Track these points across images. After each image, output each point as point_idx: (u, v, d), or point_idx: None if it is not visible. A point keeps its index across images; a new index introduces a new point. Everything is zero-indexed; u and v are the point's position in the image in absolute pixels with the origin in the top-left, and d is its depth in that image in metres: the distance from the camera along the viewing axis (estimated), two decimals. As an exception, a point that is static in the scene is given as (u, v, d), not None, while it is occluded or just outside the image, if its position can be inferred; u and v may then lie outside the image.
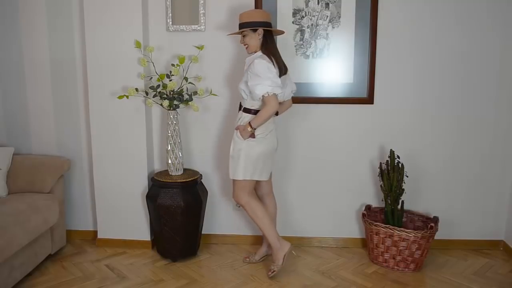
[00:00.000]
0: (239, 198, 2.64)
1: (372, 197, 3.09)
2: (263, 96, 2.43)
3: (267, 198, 2.81)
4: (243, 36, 2.54)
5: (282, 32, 2.65)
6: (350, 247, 3.12)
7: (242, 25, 2.50)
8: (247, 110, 2.56)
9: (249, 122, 2.49)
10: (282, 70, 2.51)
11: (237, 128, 2.57)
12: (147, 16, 2.94)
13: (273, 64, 2.46)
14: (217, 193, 3.15)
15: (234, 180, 2.63)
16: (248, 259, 2.89)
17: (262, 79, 2.41)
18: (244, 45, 2.56)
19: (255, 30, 2.49)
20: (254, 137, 2.51)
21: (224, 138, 3.07)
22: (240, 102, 2.64)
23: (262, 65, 2.43)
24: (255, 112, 2.53)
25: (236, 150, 2.56)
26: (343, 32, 2.88)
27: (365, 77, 2.91)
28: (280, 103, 2.56)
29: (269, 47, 2.53)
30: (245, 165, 2.55)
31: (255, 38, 2.51)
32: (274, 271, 2.64)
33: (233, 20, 2.92)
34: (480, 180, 3.03)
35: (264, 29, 2.49)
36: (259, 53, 2.54)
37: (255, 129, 2.49)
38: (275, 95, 2.43)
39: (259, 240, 3.12)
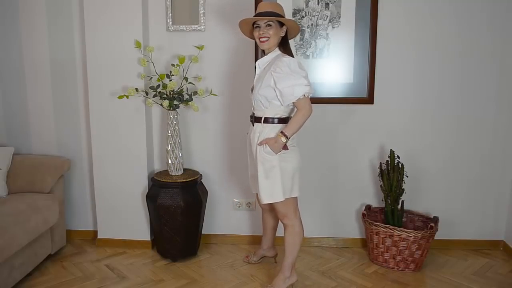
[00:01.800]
0: (285, 217, 2.32)
1: (372, 197, 3.09)
2: (298, 99, 2.12)
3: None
4: (267, 26, 2.20)
5: (297, 33, 2.37)
6: (350, 247, 3.13)
7: (270, 13, 2.18)
8: (268, 120, 2.23)
9: (282, 132, 2.15)
10: None
11: (264, 143, 2.20)
12: (147, 16, 2.94)
13: None
14: (217, 193, 3.15)
15: (275, 204, 2.30)
16: (248, 259, 2.89)
17: (298, 78, 2.11)
18: (263, 37, 2.21)
19: (281, 25, 2.23)
20: (287, 148, 2.19)
21: (225, 138, 3.07)
22: (254, 113, 2.32)
23: (295, 62, 2.14)
24: (280, 120, 2.22)
25: (268, 169, 2.20)
26: (343, 32, 2.88)
27: (365, 77, 2.91)
28: None
29: (288, 49, 2.28)
30: (283, 183, 2.21)
31: (278, 34, 2.22)
32: None
33: (233, 20, 2.92)
34: (480, 180, 3.03)
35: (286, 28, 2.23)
36: (277, 51, 2.26)
37: (289, 138, 2.16)
38: (309, 97, 2.16)
39: (258, 240, 3.12)
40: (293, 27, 2.29)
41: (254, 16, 2.29)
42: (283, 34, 2.28)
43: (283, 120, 2.26)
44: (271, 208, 2.56)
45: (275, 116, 2.25)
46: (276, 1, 2.80)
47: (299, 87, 2.13)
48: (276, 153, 2.19)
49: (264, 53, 2.37)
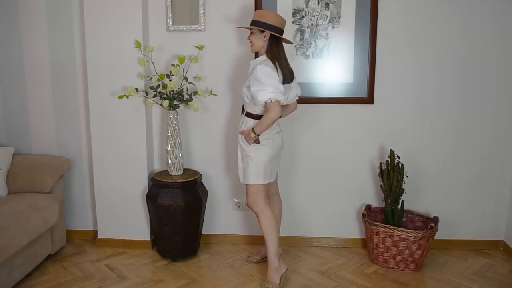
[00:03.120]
0: (253, 204, 2.55)
1: (372, 197, 3.09)
2: (265, 102, 2.37)
3: (273, 198, 2.77)
4: (251, 33, 2.49)
5: (290, 43, 2.58)
6: (350, 247, 3.12)
7: (252, 22, 2.46)
8: (249, 115, 2.52)
9: (253, 128, 2.43)
10: (287, 77, 2.46)
11: (241, 133, 2.53)
12: (147, 16, 2.94)
13: (276, 70, 2.40)
14: (217, 193, 3.15)
15: (246, 185, 2.57)
16: (250, 259, 2.89)
17: (264, 85, 2.35)
18: (250, 43, 2.52)
19: (262, 31, 2.43)
20: (259, 142, 2.46)
21: (224, 138, 3.07)
22: (243, 105, 2.61)
23: (265, 71, 2.37)
24: (258, 117, 2.48)
25: (244, 155, 2.53)
26: (343, 32, 2.88)
27: (365, 77, 2.91)
28: (283, 106, 2.55)
29: (274, 52, 2.45)
30: (256, 170, 2.49)
31: (260, 39, 2.45)
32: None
33: (233, 20, 2.92)
34: (480, 180, 3.03)
35: (271, 34, 2.42)
36: (264, 57, 2.48)
37: (258, 135, 2.44)
38: (277, 101, 2.37)
39: (258, 240, 3.12)
40: (275, 35, 2.43)
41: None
42: (266, 39, 2.45)
43: (260, 117, 2.49)
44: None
45: (254, 113, 2.51)
46: (277, 4, 2.85)
47: (263, 92, 2.36)
48: (249, 144, 2.48)
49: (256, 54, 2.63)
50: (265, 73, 2.37)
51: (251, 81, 2.41)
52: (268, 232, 2.54)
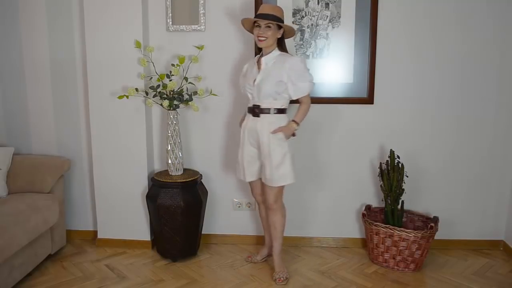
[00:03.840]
0: (275, 201, 2.58)
1: (372, 197, 3.09)
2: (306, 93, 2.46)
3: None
4: (267, 27, 2.40)
5: (292, 36, 2.58)
6: (350, 247, 3.12)
7: (268, 16, 2.38)
8: (281, 111, 2.51)
9: (294, 120, 2.47)
10: None
11: (277, 131, 2.45)
12: (147, 16, 2.94)
13: None
14: (217, 193, 3.15)
15: (271, 186, 2.53)
16: (250, 259, 2.90)
17: (308, 76, 2.45)
18: (262, 37, 2.41)
19: (280, 27, 2.43)
20: (295, 135, 2.51)
21: (224, 138, 3.07)
22: (258, 105, 2.49)
23: (304, 62, 2.47)
24: (283, 111, 2.51)
25: (282, 155, 2.47)
26: (343, 32, 2.88)
27: (365, 77, 2.91)
28: None
29: (285, 48, 2.52)
30: (292, 166, 2.51)
31: (275, 35, 2.44)
32: (286, 277, 2.63)
33: (233, 20, 2.92)
34: (480, 180, 3.03)
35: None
36: (278, 50, 2.49)
37: (299, 126, 2.50)
38: None
39: (258, 240, 3.12)
40: (289, 30, 2.50)
41: (256, 16, 2.46)
42: (279, 36, 2.47)
43: (284, 111, 2.54)
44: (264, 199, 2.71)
45: (282, 107, 2.51)
46: (276, 3, 2.83)
47: (309, 84, 2.46)
48: (287, 139, 2.49)
49: (260, 50, 2.56)
50: (305, 65, 2.47)
51: (295, 75, 2.41)
52: (282, 228, 2.65)
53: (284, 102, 2.51)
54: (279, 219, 2.62)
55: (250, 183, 2.72)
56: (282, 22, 2.44)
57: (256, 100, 2.52)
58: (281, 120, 2.50)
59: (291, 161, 2.51)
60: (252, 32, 2.55)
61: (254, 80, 2.51)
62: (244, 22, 2.54)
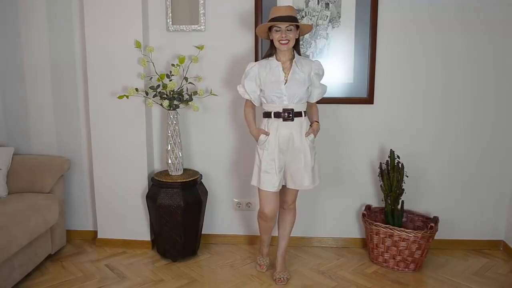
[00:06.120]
0: (294, 202, 2.64)
1: (372, 197, 3.09)
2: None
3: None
4: (288, 30, 2.35)
5: (308, 31, 2.56)
6: (350, 247, 3.13)
7: (287, 18, 2.32)
8: (306, 114, 2.51)
9: (317, 121, 2.57)
10: None
11: (309, 133, 2.48)
12: (147, 16, 2.94)
13: None
14: (217, 193, 3.15)
15: (293, 190, 2.57)
16: (264, 268, 2.79)
17: (322, 79, 2.54)
18: (284, 40, 2.35)
19: (297, 28, 2.40)
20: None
21: (224, 138, 3.07)
22: (292, 109, 2.41)
23: (322, 66, 2.53)
24: (302, 113, 2.49)
25: (313, 157, 2.51)
26: (343, 32, 2.88)
27: (365, 77, 2.91)
28: None
29: (299, 49, 2.54)
30: (319, 166, 2.60)
31: (295, 36, 2.40)
32: (287, 278, 2.65)
33: (233, 20, 2.92)
34: (480, 180, 3.03)
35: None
36: (294, 53, 2.46)
37: None
38: None
39: (258, 240, 3.12)
40: (307, 28, 2.50)
41: (274, 19, 2.35)
42: (297, 37, 2.44)
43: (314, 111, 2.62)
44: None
45: (305, 110, 2.52)
46: (276, 3, 2.82)
47: (325, 86, 2.57)
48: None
49: (274, 52, 2.45)
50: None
51: (318, 79, 2.50)
52: (292, 228, 2.71)
53: (305, 105, 2.51)
54: (293, 218, 2.68)
55: (271, 193, 2.48)
56: (296, 21, 2.37)
57: (286, 103, 2.41)
58: (307, 122, 2.52)
59: (318, 161, 2.59)
60: (267, 38, 2.49)
61: (285, 83, 2.41)
62: (260, 29, 2.44)
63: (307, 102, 2.52)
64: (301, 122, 2.45)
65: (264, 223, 2.63)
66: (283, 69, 2.43)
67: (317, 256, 3.01)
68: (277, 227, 2.74)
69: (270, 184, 2.45)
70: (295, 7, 2.86)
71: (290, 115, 2.42)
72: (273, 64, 2.45)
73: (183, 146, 3.00)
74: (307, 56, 2.92)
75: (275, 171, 2.44)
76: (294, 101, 2.42)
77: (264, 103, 2.49)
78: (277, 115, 2.43)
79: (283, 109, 2.42)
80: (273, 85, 2.42)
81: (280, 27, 2.34)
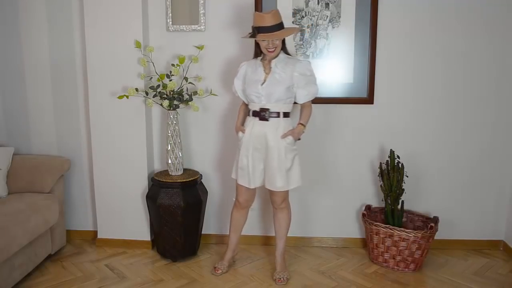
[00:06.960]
0: (284, 202, 2.62)
1: (372, 197, 3.09)
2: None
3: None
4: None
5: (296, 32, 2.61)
6: (350, 247, 3.12)
7: (273, 28, 2.33)
8: (287, 114, 2.50)
9: (302, 123, 2.49)
10: None
11: (287, 135, 2.44)
12: (147, 16, 2.94)
13: None
14: (217, 193, 3.15)
15: (279, 191, 2.52)
16: (220, 272, 2.72)
17: (314, 80, 2.49)
18: (271, 49, 2.38)
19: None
20: (300, 138, 2.52)
21: (224, 138, 3.07)
22: (268, 109, 2.44)
23: (311, 66, 2.49)
24: (289, 114, 2.50)
25: (292, 159, 2.47)
26: (343, 32, 2.88)
27: (365, 77, 2.91)
28: None
29: (286, 48, 2.51)
30: (300, 170, 2.53)
31: (281, 41, 2.44)
32: (287, 278, 2.64)
33: (233, 20, 2.92)
34: (480, 180, 3.03)
35: None
36: (282, 53, 2.47)
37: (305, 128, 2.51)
38: None
39: (258, 240, 3.13)
40: (295, 32, 2.59)
41: (259, 30, 2.36)
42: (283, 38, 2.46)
43: (289, 114, 2.53)
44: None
45: (288, 111, 2.51)
46: (276, 4, 2.82)
47: (317, 87, 2.51)
48: (295, 142, 2.49)
49: (260, 51, 2.50)
50: (312, 69, 2.50)
51: (306, 81, 2.44)
52: (288, 227, 2.69)
53: (290, 106, 2.51)
54: (286, 216, 2.65)
55: (245, 188, 2.58)
56: (283, 27, 2.40)
57: (264, 103, 2.46)
58: (288, 123, 2.50)
59: (299, 164, 2.53)
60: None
61: (262, 83, 2.45)
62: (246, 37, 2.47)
63: (297, 103, 2.52)
64: (278, 122, 2.45)
65: (237, 213, 2.72)
66: (264, 70, 2.48)
67: (317, 256, 3.01)
68: (273, 226, 2.74)
69: (244, 179, 2.55)
70: (295, 7, 2.87)
71: (265, 115, 2.45)
72: (258, 64, 2.53)
73: (183, 146, 3.00)
74: (307, 57, 2.92)
75: (248, 168, 2.51)
76: (271, 101, 2.44)
77: (248, 102, 2.58)
78: (255, 113, 2.50)
79: (260, 109, 2.47)
80: (252, 85, 2.49)
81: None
